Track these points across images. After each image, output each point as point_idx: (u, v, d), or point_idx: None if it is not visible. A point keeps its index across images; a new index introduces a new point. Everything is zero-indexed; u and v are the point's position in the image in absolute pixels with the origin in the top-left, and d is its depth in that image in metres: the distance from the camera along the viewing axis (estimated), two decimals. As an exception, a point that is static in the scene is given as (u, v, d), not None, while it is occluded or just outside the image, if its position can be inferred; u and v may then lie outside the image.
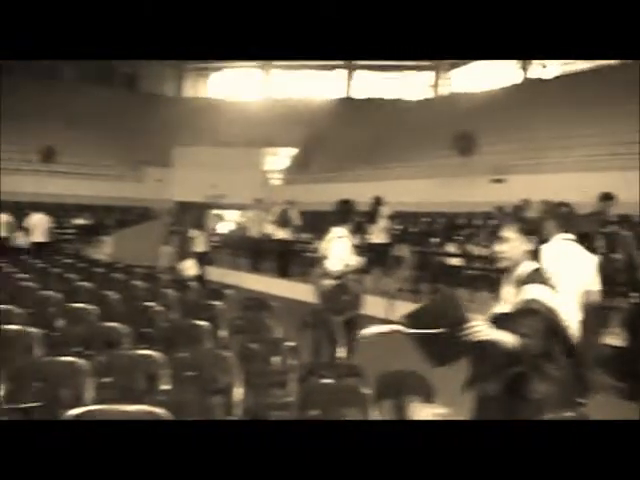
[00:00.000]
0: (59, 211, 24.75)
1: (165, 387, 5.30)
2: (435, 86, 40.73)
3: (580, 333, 5.26)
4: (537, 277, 4.02)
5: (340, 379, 5.63)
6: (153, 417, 3.64)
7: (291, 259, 17.98)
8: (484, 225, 17.53)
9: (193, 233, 14.87)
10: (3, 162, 28.26)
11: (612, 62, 24.67)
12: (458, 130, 24.80)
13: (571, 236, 5.82)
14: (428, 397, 5.16)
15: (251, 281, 17.94)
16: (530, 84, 32.19)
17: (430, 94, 39.85)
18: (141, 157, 34.20)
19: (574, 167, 20.73)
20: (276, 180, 36.89)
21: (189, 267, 12.68)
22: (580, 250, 5.82)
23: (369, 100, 39.72)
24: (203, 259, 14.52)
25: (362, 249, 9.01)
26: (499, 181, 22.92)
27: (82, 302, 8.13)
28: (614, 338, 8.70)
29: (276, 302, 9.52)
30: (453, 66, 39.24)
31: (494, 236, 4.28)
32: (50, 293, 8.92)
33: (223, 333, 7.49)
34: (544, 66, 33.47)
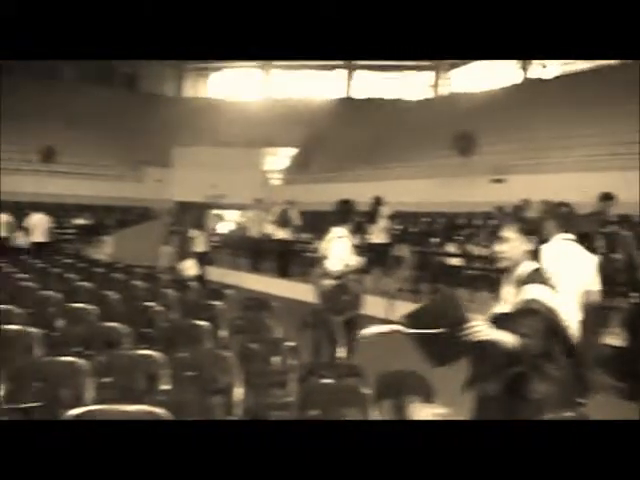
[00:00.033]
0: (59, 211, 24.75)
1: (165, 387, 5.30)
2: (435, 86, 40.73)
3: (580, 333, 5.26)
4: (537, 277, 4.02)
5: (340, 379, 5.63)
6: (153, 417, 3.64)
7: (291, 259, 17.98)
8: (484, 225, 17.52)
9: (193, 233, 14.88)
10: (3, 162, 28.25)
11: (612, 62, 24.66)
12: (458, 130, 24.80)
13: (571, 236, 5.81)
14: (428, 397, 5.16)
15: (251, 281, 17.94)
16: (530, 84, 32.20)
17: (430, 94, 39.85)
18: (141, 157, 34.20)
19: (574, 167, 20.73)
20: (276, 180, 36.90)
21: (189, 267, 12.68)
22: (580, 250, 5.82)
23: (369, 100, 39.73)
24: (203, 259, 14.52)
25: (362, 249, 9.02)
26: (499, 181, 22.92)
27: (82, 302, 8.14)
28: (614, 338, 8.69)
29: (276, 302, 9.53)
30: (453, 66, 39.24)
31: (494, 236, 4.28)
32: (50, 293, 8.92)
33: (223, 333, 7.49)
34: (544, 66, 33.47)
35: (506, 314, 4.02)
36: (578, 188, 13.81)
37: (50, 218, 19.95)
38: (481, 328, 3.86)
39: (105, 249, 22.49)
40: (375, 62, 39.40)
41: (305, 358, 7.22)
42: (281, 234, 17.92)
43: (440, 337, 3.99)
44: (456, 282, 13.16)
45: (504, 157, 23.83)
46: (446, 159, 25.60)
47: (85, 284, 10.24)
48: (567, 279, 5.07)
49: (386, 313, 12.15)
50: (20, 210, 20.26)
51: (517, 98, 28.56)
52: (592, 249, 6.35)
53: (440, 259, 15.01)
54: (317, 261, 8.82)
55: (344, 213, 8.77)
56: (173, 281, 11.79)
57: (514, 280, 4.09)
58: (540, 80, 32.53)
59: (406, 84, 41.45)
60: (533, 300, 3.92)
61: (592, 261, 5.84)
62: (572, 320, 5.07)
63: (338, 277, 8.37)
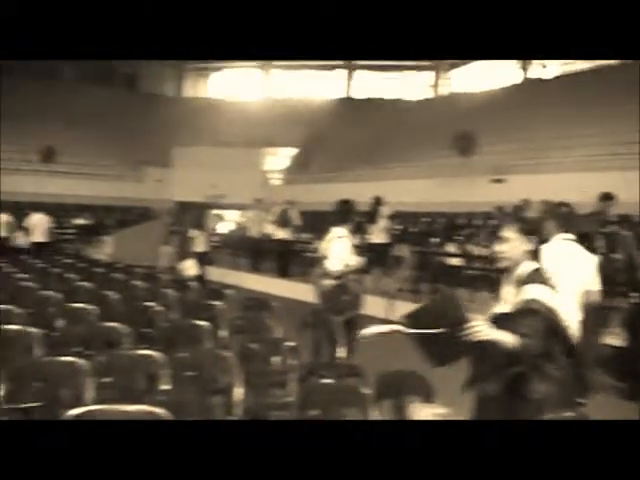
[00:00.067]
0: (59, 211, 24.76)
1: (165, 387, 5.31)
2: (435, 86, 40.73)
3: (580, 333, 5.26)
4: (537, 277, 4.02)
5: (340, 379, 5.63)
6: (153, 417, 3.64)
7: (291, 259, 17.98)
8: (484, 225, 17.53)
9: (193, 233, 14.88)
10: (3, 162, 28.27)
11: (612, 62, 24.66)
12: (458, 130, 24.80)
13: (571, 236, 5.82)
14: (428, 397, 5.17)
15: (251, 281, 17.95)
16: (530, 84, 32.21)
17: (430, 94, 39.85)
18: (141, 157, 34.20)
19: (574, 167, 20.73)
20: (276, 180, 36.91)
21: (189, 267, 12.68)
22: (580, 250, 5.82)
23: (369, 100, 39.73)
24: (203, 259, 14.52)
25: (362, 249, 9.02)
26: (499, 181, 22.93)
27: (82, 302, 8.14)
28: (614, 338, 8.69)
29: (276, 302, 9.53)
30: (453, 66, 39.24)
31: (494, 236, 4.28)
32: (50, 293, 8.92)
33: (223, 333, 7.49)
34: (544, 66, 33.47)
35: (506, 314, 4.02)
36: (578, 188, 13.81)
37: (50, 218, 19.95)
38: (481, 328, 3.86)
39: (105, 249, 22.49)
40: (375, 62, 39.39)
41: (305, 358, 7.22)
42: (281, 234, 17.92)
43: (440, 337, 3.99)
44: (456, 282, 13.16)
45: (504, 157, 23.83)
46: (446, 159, 25.60)
47: (85, 284, 10.25)
48: (567, 279, 5.07)
49: (386, 313, 12.15)
50: (20, 210, 20.26)
51: (517, 98, 28.57)
52: (592, 249, 6.35)
53: (440, 259, 15.01)
54: (317, 261, 8.82)
55: (344, 213, 8.77)
56: (173, 281, 11.79)
57: (514, 280, 4.09)
58: (540, 80, 32.53)
59: (406, 84, 41.46)
60: (533, 300, 3.92)
61: (592, 261, 5.83)
62: (572, 320, 5.07)
63: (338, 277, 8.37)
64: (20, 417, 4.78)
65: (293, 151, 37.93)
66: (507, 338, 3.84)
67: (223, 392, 5.38)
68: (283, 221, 18.08)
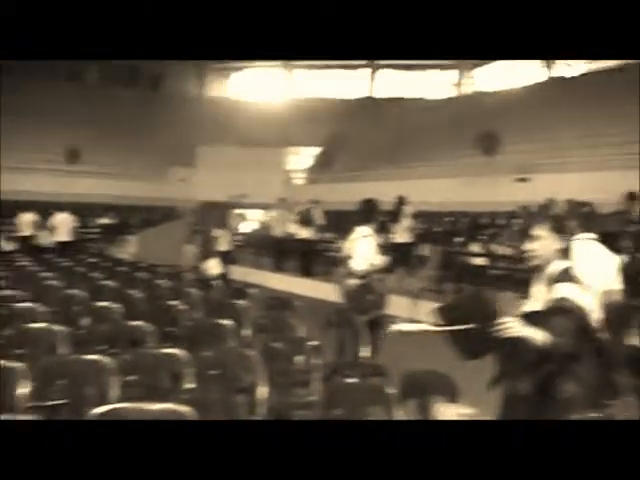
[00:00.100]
0: (84, 211, 24.90)
1: (189, 386, 5.32)
2: (458, 85, 40.53)
3: (607, 333, 5.21)
4: (568, 276, 3.99)
5: (364, 378, 5.63)
6: (177, 415, 3.65)
7: (314, 258, 17.97)
8: (508, 224, 17.44)
9: (217, 232, 14.92)
10: (29, 162, 28.58)
11: (638, 60, 24.43)
12: (482, 129, 24.69)
13: (593, 235, 5.78)
14: (453, 397, 5.14)
15: (274, 280, 17.98)
16: (554, 82, 31.96)
17: (453, 93, 39.65)
18: (165, 157, 34.30)
19: (599, 166, 20.55)
20: (299, 179, 36.94)
21: (213, 266, 12.70)
22: (602, 249, 5.78)
23: (392, 99, 39.56)
24: (226, 258, 14.55)
25: (385, 248, 9.00)
26: (523, 180, 22.78)
27: (107, 301, 8.18)
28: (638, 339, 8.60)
29: (299, 301, 9.53)
30: (476, 65, 39.00)
31: (523, 234, 4.26)
32: (75, 292, 8.97)
33: (247, 332, 7.50)
34: (569, 64, 33.22)
35: (537, 312, 3.99)
36: (603, 187, 13.73)
37: (75, 217, 20.09)
38: (512, 324, 3.85)
39: (129, 248, 22.61)
40: (398, 61, 39.27)
41: (329, 357, 7.22)
42: (304, 233, 17.92)
43: (471, 332, 3.98)
44: (480, 282, 13.09)
45: (528, 156, 23.67)
46: (470, 158, 25.49)
47: (109, 283, 10.30)
48: (588, 278, 5.04)
49: (410, 313, 12.12)
50: (45, 210, 20.41)
51: (541, 97, 28.36)
52: (617, 249, 6.30)
53: (464, 259, 14.93)
54: (341, 260, 8.82)
55: (368, 212, 8.76)
56: (197, 280, 11.84)
57: (545, 278, 4.06)
58: (564, 78, 32.29)
59: (429, 83, 41.31)
60: (564, 299, 3.89)
61: (614, 260, 5.79)
62: (598, 320, 5.03)
63: (363, 276, 8.36)
64: (45, 415, 4.80)
65: (316, 150, 37.91)
66: (538, 336, 3.81)
67: (247, 391, 5.37)
68: (306, 220, 18.08)
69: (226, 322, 7.14)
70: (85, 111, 33.00)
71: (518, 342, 3.87)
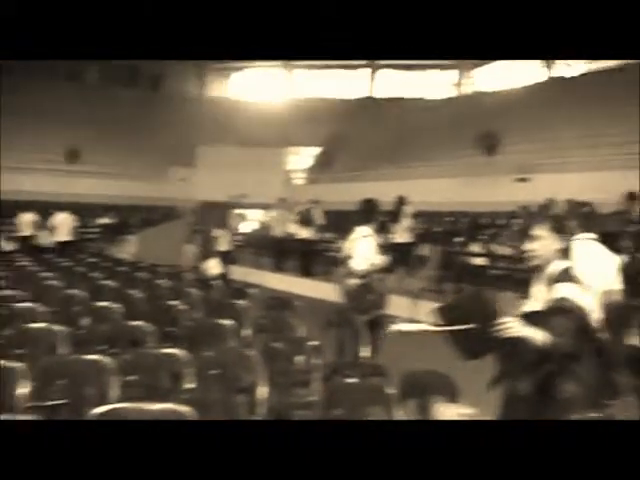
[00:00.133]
0: (84, 210, 24.90)
1: (189, 386, 5.32)
2: (458, 85, 40.52)
3: (607, 333, 5.21)
4: (568, 276, 4.00)
5: (364, 378, 5.63)
6: (177, 415, 3.65)
7: (314, 258, 17.97)
8: (508, 224, 17.43)
9: (216, 232, 14.91)
10: (29, 162, 28.60)
11: (638, 60, 24.42)
12: (482, 129, 24.69)
13: (593, 235, 5.78)
14: (453, 397, 5.14)
15: (274, 280, 17.97)
16: (554, 82, 31.96)
17: (453, 93, 39.65)
18: (165, 157, 34.30)
19: (599, 166, 20.56)
20: (299, 179, 36.96)
21: (213, 266, 12.70)
22: (602, 249, 5.78)
23: (392, 99, 39.57)
24: (226, 258, 14.55)
25: (385, 248, 9.01)
26: (523, 180, 22.78)
27: (107, 301, 8.18)
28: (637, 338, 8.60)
29: (299, 301, 9.53)
30: (476, 65, 38.99)
31: (524, 234, 4.26)
32: (75, 291, 8.97)
33: (247, 332, 7.50)
34: (569, 64, 33.22)
35: (537, 312, 3.99)
36: (603, 187, 13.73)
37: (75, 217, 20.09)
38: (512, 324, 3.85)
39: (129, 248, 22.60)
40: (398, 61, 39.27)
41: (329, 357, 7.22)
42: (304, 233, 17.92)
43: (471, 332, 3.98)
44: (480, 282, 13.09)
45: (528, 156, 23.67)
46: (470, 158, 25.50)
47: (109, 283, 10.30)
48: (588, 278, 5.04)
49: (410, 313, 12.12)
50: (45, 210, 20.41)
51: (541, 97, 28.35)
52: (617, 249, 6.30)
53: (464, 259, 14.93)
54: (341, 260, 8.82)
55: (368, 212, 8.77)
56: (197, 280, 11.84)
57: (545, 278, 4.06)
58: (564, 78, 32.28)
59: (429, 83, 41.32)
60: (564, 299, 3.89)
61: (614, 260, 5.79)
62: (597, 320, 5.03)
63: (363, 276, 8.36)
64: (45, 415, 4.80)
65: (316, 150, 37.91)
66: (538, 336, 3.81)
67: (247, 391, 5.37)
68: (306, 220, 18.08)
69: (226, 322, 7.15)
70: (85, 111, 33.02)
71: (518, 342, 3.87)
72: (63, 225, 19.43)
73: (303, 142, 37.13)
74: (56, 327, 6.47)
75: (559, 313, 3.86)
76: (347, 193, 20.86)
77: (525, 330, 3.85)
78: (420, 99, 38.81)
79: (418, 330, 5.42)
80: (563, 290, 3.92)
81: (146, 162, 33.76)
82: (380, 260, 8.50)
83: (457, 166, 26.07)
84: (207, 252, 13.31)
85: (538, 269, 4.14)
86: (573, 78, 31.40)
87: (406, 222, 14.98)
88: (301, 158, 38.34)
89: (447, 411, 4.59)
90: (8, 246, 20.50)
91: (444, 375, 5.32)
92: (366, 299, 8.30)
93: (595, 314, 4.48)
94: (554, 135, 24.22)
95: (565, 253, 4.15)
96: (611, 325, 5.35)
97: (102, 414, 3.67)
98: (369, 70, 42.30)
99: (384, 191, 14.96)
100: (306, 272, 17.73)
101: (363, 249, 8.38)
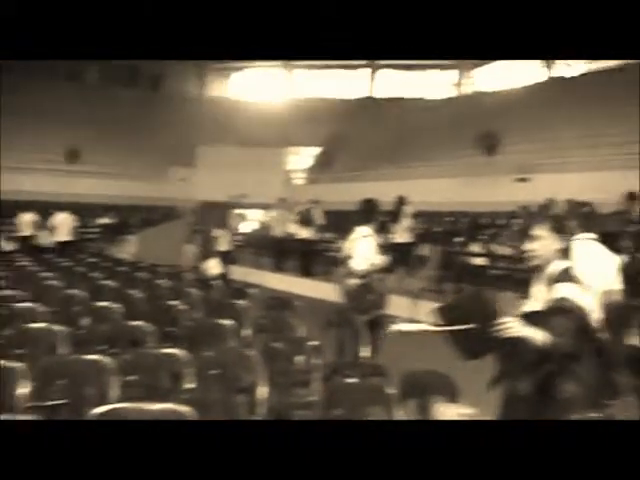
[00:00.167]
0: (84, 210, 24.90)
1: (189, 386, 5.32)
2: (458, 85, 40.51)
3: (607, 333, 5.21)
4: (568, 276, 3.99)
5: (364, 378, 5.63)
6: (177, 415, 3.65)
7: (314, 258, 17.97)
8: (508, 224, 17.43)
9: (216, 232, 14.91)
10: (29, 162, 28.61)
11: (638, 60, 24.42)
12: (482, 129, 24.69)
13: (593, 235, 5.78)
14: (453, 397, 5.14)
15: (274, 280, 17.97)
16: (554, 82, 31.96)
17: (453, 93, 39.64)
18: (165, 157, 34.30)
19: (599, 166, 20.56)
20: (299, 179, 36.95)
21: (213, 266, 12.70)
22: (602, 249, 5.78)
23: (392, 99, 39.56)
24: (226, 258, 14.55)
25: (385, 248, 9.00)
26: (523, 180, 22.78)
27: (107, 301, 8.18)
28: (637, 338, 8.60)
29: (299, 301, 9.53)
30: (476, 65, 38.99)
31: (524, 234, 4.26)
32: (75, 291, 8.97)
33: (247, 332, 7.50)
34: (569, 64, 33.22)
35: (537, 312, 3.99)
36: (603, 187, 13.72)
37: (75, 217, 20.09)
38: (512, 324, 3.85)
39: (129, 248, 22.60)
40: (398, 61, 39.27)
41: (329, 357, 7.22)
42: (304, 233, 17.92)
43: (471, 332, 3.98)
44: (480, 282, 13.09)
45: (528, 156, 23.67)
46: (470, 158, 25.50)
47: (109, 283, 10.30)
48: (588, 278, 5.04)
49: (410, 313, 12.12)
50: (45, 210, 20.41)
51: (541, 97, 28.35)
52: (617, 249, 6.30)
53: (464, 259, 14.92)
54: (341, 260, 8.82)
55: (368, 212, 8.77)
56: (197, 280, 11.83)
57: (545, 278, 4.06)
58: (564, 78, 32.28)
59: (429, 83, 41.31)
60: (564, 299, 3.89)
61: (614, 260, 5.79)
62: (597, 320, 5.03)
63: (363, 276, 8.36)
64: (45, 415, 4.80)
65: (316, 150, 37.91)
66: (538, 336, 3.81)
67: (247, 391, 5.37)
68: (306, 220, 18.08)
69: (226, 322, 7.14)
70: (85, 111, 33.02)
71: (518, 342, 3.87)
72: (63, 225, 19.43)
73: (303, 142, 37.12)
74: (56, 327, 6.47)
75: (559, 313, 3.86)
76: (347, 193, 20.85)
77: (525, 330, 3.85)
78: (420, 99, 38.81)
79: (418, 330, 5.42)
80: (563, 290, 3.92)
81: (146, 162, 33.75)
82: (380, 260, 8.50)
83: (457, 166, 26.07)
84: (207, 252, 13.31)
85: (538, 269, 4.14)
86: (573, 78, 31.39)
87: (406, 222, 14.97)
88: (301, 158, 38.33)
89: (447, 411, 4.59)
90: (8, 246, 20.50)
91: (444, 375, 5.32)
92: (366, 299, 8.30)
93: (595, 314, 4.48)
94: (554, 135, 24.22)
95: (565, 253, 4.14)
96: (611, 325, 5.35)
97: (102, 414, 3.67)
98: (369, 70, 42.29)
99: (384, 191, 14.95)
100: (306, 272, 17.73)
101: (363, 249, 8.38)
